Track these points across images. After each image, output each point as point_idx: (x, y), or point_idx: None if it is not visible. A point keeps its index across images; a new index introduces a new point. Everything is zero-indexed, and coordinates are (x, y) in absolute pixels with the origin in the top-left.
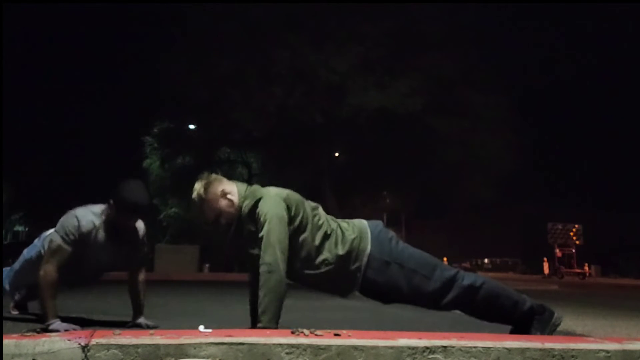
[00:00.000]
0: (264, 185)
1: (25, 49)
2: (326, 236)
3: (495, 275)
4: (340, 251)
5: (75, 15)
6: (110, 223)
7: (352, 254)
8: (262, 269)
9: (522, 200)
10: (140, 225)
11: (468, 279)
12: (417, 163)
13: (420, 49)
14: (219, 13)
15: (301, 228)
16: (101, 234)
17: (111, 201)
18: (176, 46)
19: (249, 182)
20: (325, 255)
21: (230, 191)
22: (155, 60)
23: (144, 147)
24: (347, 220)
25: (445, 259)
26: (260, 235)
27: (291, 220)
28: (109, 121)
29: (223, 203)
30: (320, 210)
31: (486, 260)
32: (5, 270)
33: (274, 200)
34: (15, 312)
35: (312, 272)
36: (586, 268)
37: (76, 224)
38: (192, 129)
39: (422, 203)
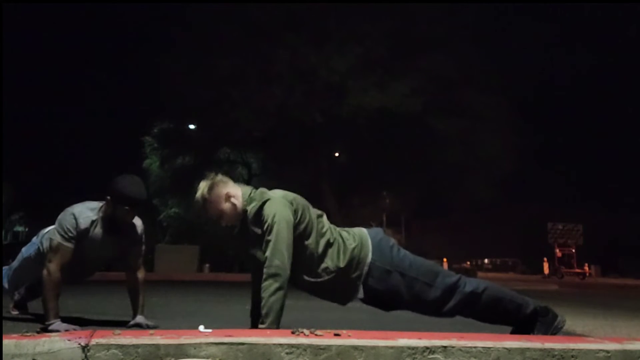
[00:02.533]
0: (264, 185)
1: (25, 49)
2: (329, 244)
3: (495, 276)
4: (342, 262)
5: (75, 16)
6: (108, 219)
7: (353, 263)
8: (269, 271)
9: (522, 200)
10: (138, 222)
11: (470, 285)
12: (417, 163)
13: (420, 49)
14: (219, 13)
15: (306, 234)
16: (99, 230)
17: (108, 197)
18: (176, 46)
19: (249, 182)
20: (327, 263)
21: (235, 195)
22: (156, 60)
23: (144, 147)
24: (347, 229)
25: (445, 259)
26: (267, 238)
27: (297, 225)
28: (109, 121)
29: (225, 206)
30: (325, 218)
31: (486, 261)
32: (5, 269)
33: (281, 203)
34: (15, 312)
35: (312, 279)
36: (586, 268)
37: (74, 221)
38: (192, 129)
39: (422, 203)
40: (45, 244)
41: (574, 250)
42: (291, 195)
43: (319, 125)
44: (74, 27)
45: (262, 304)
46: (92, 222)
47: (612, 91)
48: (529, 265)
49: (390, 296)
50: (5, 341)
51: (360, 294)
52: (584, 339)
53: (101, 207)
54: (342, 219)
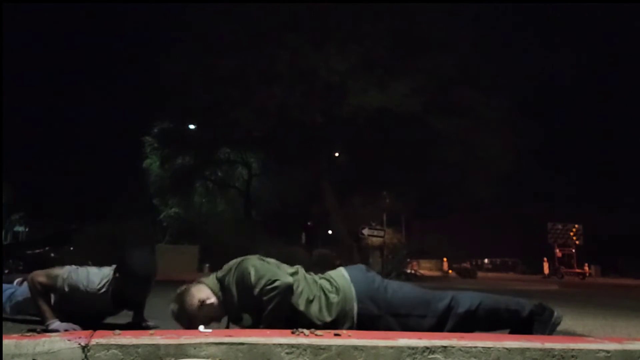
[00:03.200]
0: (264, 185)
1: (25, 49)
2: (309, 302)
3: (495, 276)
4: (327, 318)
5: (75, 16)
6: (115, 292)
7: (339, 319)
8: (268, 289)
9: (522, 200)
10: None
11: (463, 304)
12: (417, 163)
13: (420, 49)
14: (219, 13)
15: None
16: (105, 297)
17: (116, 273)
18: (176, 46)
19: (249, 182)
20: (314, 321)
21: (206, 296)
22: (156, 60)
23: (144, 147)
24: (327, 276)
25: (445, 259)
26: (252, 281)
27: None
28: (109, 121)
29: (206, 311)
30: (300, 274)
31: (486, 261)
32: (8, 290)
33: (250, 258)
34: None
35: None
36: (586, 268)
37: (78, 284)
38: (192, 129)
39: (422, 203)
40: (50, 269)
41: (574, 250)
42: (255, 258)
43: (319, 125)
44: (74, 28)
45: (263, 303)
46: (100, 289)
47: (612, 91)
48: (529, 265)
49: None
50: (5, 341)
51: None
52: (584, 339)
53: (110, 279)
54: (342, 219)
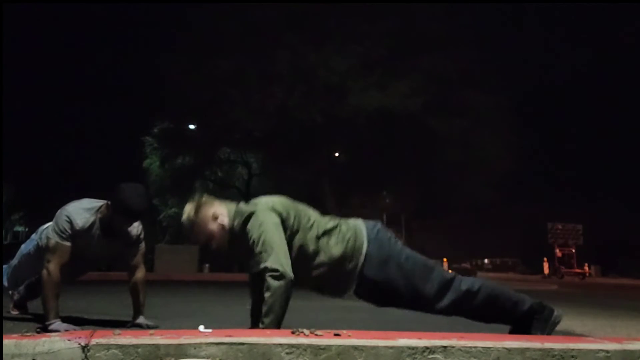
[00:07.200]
0: (264, 185)
1: (25, 48)
2: (319, 237)
3: (495, 276)
4: (335, 251)
5: (75, 15)
6: (105, 221)
7: (347, 253)
8: (269, 275)
9: (522, 200)
10: (136, 224)
11: (465, 283)
12: (417, 163)
13: (420, 49)
14: (219, 13)
15: (293, 232)
16: (96, 231)
17: (109, 202)
18: (176, 46)
19: (249, 182)
20: (320, 257)
21: (221, 213)
22: (156, 60)
23: (144, 147)
24: (343, 219)
25: (445, 259)
26: (258, 249)
27: (284, 225)
28: (109, 121)
29: (214, 226)
30: (311, 211)
31: (486, 261)
32: (4, 267)
33: (262, 212)
34: (15, 312)
35: (308, 275)
36: (586, 268)
37: (68, 220)
38: (192, 129)
39: (422, 203)
40: (43, 242)
41: (574, 250)
42: (271, 199)
43: (319, 125)
44: (73, 27)
45: (264, 303)
46: (88, 222)
47: (612, 91)
48: (529, 265)
49: (385, 288)
50: (5, 341)
51: (355, 285)
52: (584, 339)
53: (100, 208)
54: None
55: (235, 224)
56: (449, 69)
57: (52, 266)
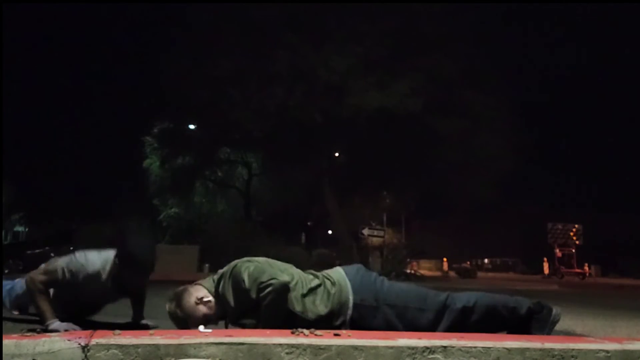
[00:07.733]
0: (264, 185)
1: (25, 49)
2: (305, 295)
3: (495, 276)
4: (322, 310)
5: (75, 15)
6: (115, 277)
7: (334, 310)
8: (266, 291)
9: (522, 200)
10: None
11: (460, 300)
12: (417, 163)
13: (420, 49)
14: (219, 13)
15: None
16: (104, 285)
17: (116, 259)
18: (176, 46)
19: (249, 182)
20: (308, 316)
21: (204, 295)
22: (156, 60)
23: (144, 147)
24: (325, 273)
25: (445, 259)
26: (247, 286)
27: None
28: (109, 121)
29: (204, 309)
30: (293, 269)
31: (486, 261)
32: (7, 285)
33: (246, 261)
34: (15, 312)
35: None
36: (586, 268)
37: (78, 269)
38: (192, 129)
39: (422, 203)
40: (50, 264)
41: (574, 250)
42: (252, 258)
43: (319, 125)
44: (74, 27)
45: (263, 303)
46: (97, 276)
47: (612, 91)
48: (529, 265)
49: (382, 329)
50: (5, 341)
51: None
52: (584, 339)
53: (110, 264)
54: (342, 219)
55: (221, 287)
56: (449, 69)
57: (37, 275)
